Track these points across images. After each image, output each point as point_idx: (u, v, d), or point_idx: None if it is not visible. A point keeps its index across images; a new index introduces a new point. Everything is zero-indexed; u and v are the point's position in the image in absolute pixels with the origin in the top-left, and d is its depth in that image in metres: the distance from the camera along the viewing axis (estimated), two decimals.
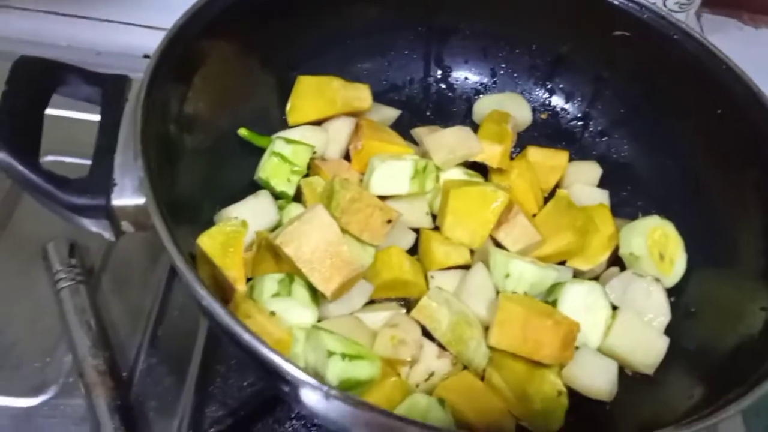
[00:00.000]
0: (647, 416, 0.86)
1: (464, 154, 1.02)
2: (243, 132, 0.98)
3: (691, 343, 0.91)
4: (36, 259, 0.96)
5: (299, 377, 0.60)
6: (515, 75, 1.17)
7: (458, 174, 1.02)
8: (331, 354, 0.73)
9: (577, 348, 0.88)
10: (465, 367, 0.87)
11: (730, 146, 0.98)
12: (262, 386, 0.89)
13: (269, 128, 1.01)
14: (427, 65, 1.17)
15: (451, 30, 1.15)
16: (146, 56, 1.24)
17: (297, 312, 0.81)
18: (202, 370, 0.90)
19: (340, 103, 1.04)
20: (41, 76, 0.79)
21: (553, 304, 0.90)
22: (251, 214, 0.87)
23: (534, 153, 1.08)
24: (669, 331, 0.93)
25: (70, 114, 1.07)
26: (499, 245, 0.97)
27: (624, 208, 1.06)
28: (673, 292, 0.96)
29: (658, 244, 0.97)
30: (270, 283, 0.82)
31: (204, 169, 0.90)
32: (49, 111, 0.79)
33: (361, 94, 1.06)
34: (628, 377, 0.90)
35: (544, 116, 1.17)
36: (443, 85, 1.18)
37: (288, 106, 1.04)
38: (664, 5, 1.36)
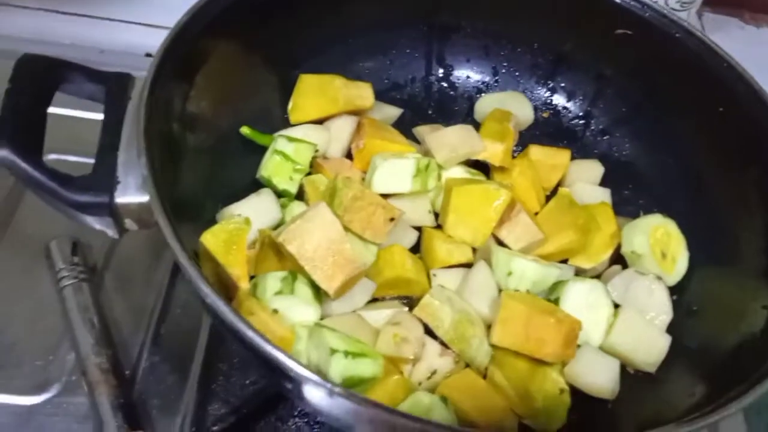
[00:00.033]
0: (649, 414, 0.86)
1: (466, 153, 1.02)
2: (245, 130, 0.98)
3: (693, 342, 0.91)
4: (39, 257, 0.96)
5: (303, 374, 0.61)
6: (517, 73, 1.17)
7: (460, 172, 1.02)
8: (333, 352, 0.73)
9: (579, 346, 0.88)
10: (467, 366, 0.87)
11: (731, 144, 0.98)
12: (264, 384, 0.89)
13: (271, 127, 1.02)
14: (429, 64, 1.17)
15: (453, 28, 1.15)
16: (148, 55, 1.25)
17: (300, 310, 0.81)
18: (205, 368, 0.90)
19: (342, 101, 1.04)
20: (44, 74, 0.79)
21: (555, 302, 0.90)
22: (254, 212, 0.87)
23: (536, 151, 1.08)
24: (671, 329, 0.93)
25: (72, 112, 1.08)
26: (501, 243, 0.97)
27: (626, 207, 1.06)
28: (674, 291, 0.96)
29: (660, 243, 0.97)
30: (273, 280, 0.82)
31: (206, 168, 0.90)
32: (50, 110, 0.80)
33: (363, 93, 1.06)
34: (630, 375, 0.91)
35: (545, 115, 1.17)
36: (445, 84, 1.19)
37: (290, 105, 1.04)
38: (666, 4, 1.36)
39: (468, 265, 0.96)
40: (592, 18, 1.07)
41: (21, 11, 1.30)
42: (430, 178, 0.98)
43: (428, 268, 0.96)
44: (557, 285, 0.92)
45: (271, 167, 0.96)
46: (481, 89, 1.18)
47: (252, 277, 0.85)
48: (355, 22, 1.08)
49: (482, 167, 1.05)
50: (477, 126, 1.08)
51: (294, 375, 0.61)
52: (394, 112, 1.13)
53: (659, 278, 0.94)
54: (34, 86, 0.77)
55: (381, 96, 1.10)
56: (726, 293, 0.93)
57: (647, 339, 0.90)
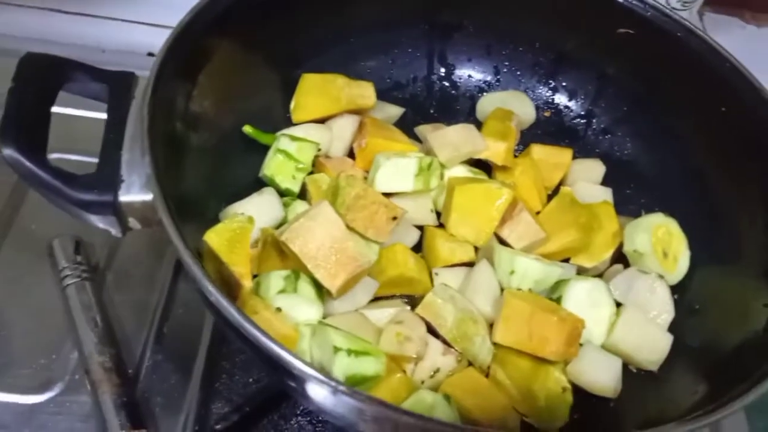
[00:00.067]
0: (651, 412, 0.86)
1: (469, 152, 1.02)
2: (248, 129, 0.98)
3: (695, 340, 0.91)
4: (42, 256, 0.96)
5: (308, 372, 0.61)
6: (518, 73, 1.17)
7: (462, 171, 1.02)
8: (337, 350, 0.74)
9: (581, 345, 0.88)
10: (470, 364, 0.87)
11: (733, 144, 0.98)
12: (267, 383, 0.89)
13: (273, 126, 1.02)
14: (431, 63, 1.17)
15: (455, 28, 1.15)
16: (150, 54, 1.25)
17: (303, 308, 0.81)
18: (208, 366, 0.91)
19: (344, 100, 1.04)
20: (48, 73, 0.79)
21: (558, 301, 0.91)
22: (256, 211, 0.87)
23: (538, 150, 1.08)
24: (673, 328, 0.93)
25: (74, 112, 1.08)
26: (503, 242, 0.97)
27: (627, 206, 1.06)
28: (676, 290, 0.96)
29: (662, 242, 0.97)
30: (276, 279, 0.82)
31: (209, 167, 0.90)
32: (52, 109, 0.80)
33: (365, 92, 1.06)
34: (632, 374, 0.91)
35: (547, 114, 1.17)
36: (447, 83, 1.19)
37: (292, 104, 1.04)
38: (668, 3, 1.36)
39: (470, 264, 0.96)
40: (594, 17, 1.07)
41: (23, 10, 1.30)
42: (433, 177, 0.98)
43: (430, 266, 0.96)
44: (559, 284, 0.92)
45: (273, 166, 0.96)
46: (482, 88, 1.18)
47: (254, 276, 0.85)
48: (357, 21, 1.08)
49: (484, 166, 1.06)
50: (478, 125, 1.08)
51: (299, 373, 0.61)
52: (395, 111, 1.13)
53: (661, 277, 0.94)
54: (37, 85, 0.77)
55: (383, 95, 1.10)
56: (728, 292, 0.93)
57: (649, 338, 0.90)
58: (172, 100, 0.82)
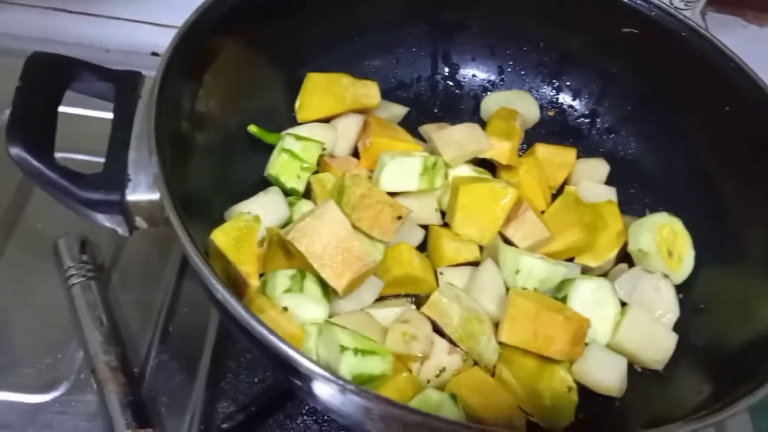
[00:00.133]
0: (657, 412, 0.86)
1: (473, 151, 1.02)
2: (253, 129, 0.98)
3: (700, 340, 0.91)
4: (47, 255, 0.96)
5: (316, 371, 0.61)
6: (522, 72, 1.18)
7: (467, 171, 1.02)
8: (344, 349, 0.74)
9: (586, 344, 0.88)
10: (475, 363, 0.87)
11: (737, 143, 0.98)
12: (273, 382, 0.90)
13: (278, 125, 1.02)
14: (435, 63, 1.18)
15: (459, 27, 1.15)
16: (155, 53, 1.25)
17: (309, 307, 0.81)
18: (213, 365, 0.91)
19: (348, 100, 1.04)
20: (55, 73, 0.79)
21: (563, 300, 0.91)
22: (262, 210, 0.87)
23: (542, 150, 1.08)
24: (678, 327, 0.93)
25: (79, 111, 1.08)
26: (507, 242, 0.97)
27: (631, 205, 1.06)
28: (681, 289, 0.96)
29: (667, 241, 0.97)
30: (282, 278, 0.82)
31: (214, 166, 0.90)
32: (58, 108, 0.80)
33: (369, 92, 1.06)
34: (637, 373, 0.91)
35: (551, 113, 1.17)
36: (451, 83, 1.19)
37: (297, 103, 1.05)
38: (671, 3, 1.36)
39: (475, 264, 0.96)
40: (598, 17, 1.07)
41: (26, 9, 1.30)
42: (437, 176, 0.98)
43: (435, 266, 0.96)
44: (564, 283, 0.92)
45: (278, 165, 0.96)
46: (486, 88, 1.18)
47: (261, 275, 0.85)
48: (362, 21, 1.09)
49: (488, 166, 1.06)
50: (482, 125, 1.08)
51: (306, 372, 0.61)
52: (400, 110, 1.13)
53: (666, 276, 0.95)
54: (44, 84, 0.77)
55: (387, 95, 1.10)
56: (732, 291, 0.93)
57: (654, 337, 0.91)
58: (179, 100, 0.82)
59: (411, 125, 1.10)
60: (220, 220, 0.87)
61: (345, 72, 1.05)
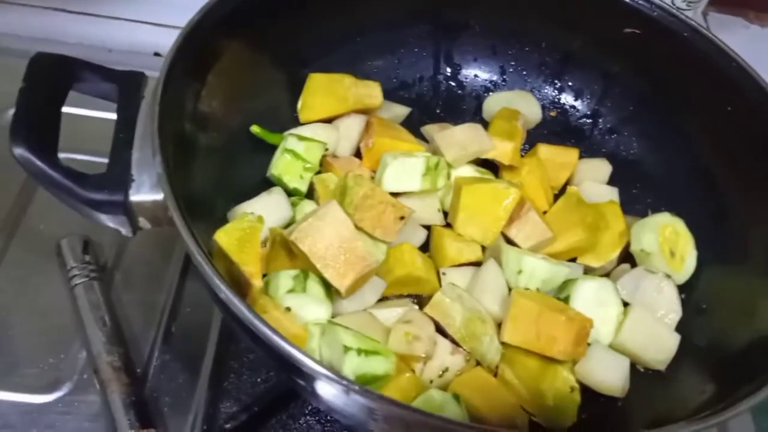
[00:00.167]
0: (659, 412, 0.86)
1: (476, 151, 1.02)
2: (255, 129, 0.98)
3: (702, 340, 0.91)
4: (50, 255, 0.96)
5: (320, 371, 0.61)
6: (524, 73, 1.18)
7: (469, 171, 1.02)
8: (347, 349, 0.74)
9: (588, 344, 0.88)
10: (478, 364, 0.87)
11: (739, 143, 0.99)
12: (276, 382, 0.90)
13: (280, 126, 1.02)
14: (437, 63, 1.18)
15: (461, 27, 1.15)
16: (157, 54, 1.25)
17: (312, 308, 0.81)
18: (216, 366, 0.91)
19: (351, 100, 1.04)
20: (58, 73, 0.79)
21: (565, 300, 0.91)
22: (265, 210, 0.87)
23: (544, 150, 1.08)
24: (680, 327, 0.93)
25: (81, 111, 1.08)
26: (510, 242, 0.97)
27: (634, 206, 1.06)
28: (683, 289, 0.96)
29: (669, 241, 0.97)
30: (285, 279, 0.82)
31: (217, 166, 0.90)
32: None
33: (372, 92, 1.06)
34: (639, 373, 0.91)
35: (553, 114, 1.17)
36: (453, 83, 1.19)
37: (299, 104, 1.05)
38: (673, 3, 1.36)
39: (477, 264, 0.96)
40: (600, 17, 1.07)
41: (28, 10, 1.30)
42: (440, 176, 0.98)
43: (438, 266, 0.96)
44: (567, 283, 0.92)
45: (281, 166, 0.96)
46: (488, 88, 1.19)
47: (264, 275, 0.85)
48: (364, 21, 1.09)
49: (490, 166, 1.06)
50: (485, 125, 1.08)
51: (310, 372, 0.62)
52: (402, 111, 1.13)
53: (668, 276, 0.95)
54: (48, 85, 0.77)
55: (389, 95, 1.10)
56: (735, 291, 0.93)
57: (657, 337, 0.91)
58: (182, 100, 0.82)
59: (413, 125, 1.10)
60: (223, 221, 0.87)
61: (347, 72, 1.05)
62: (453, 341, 0.86)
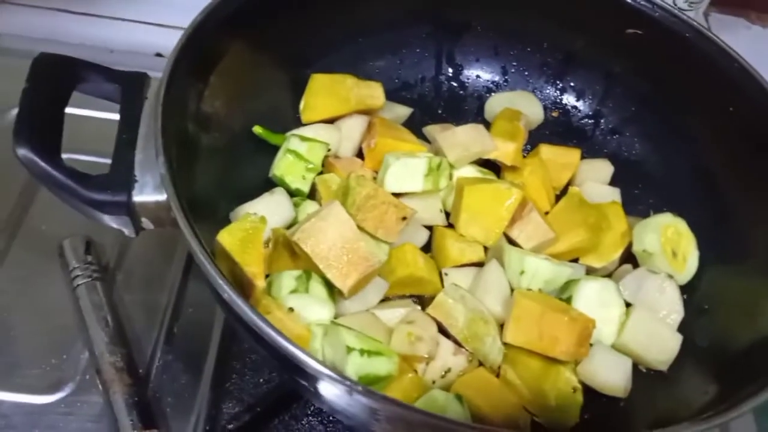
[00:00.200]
0: (662, 412, 0.86)
1: (478, 152, 1.02)
2: (258, 130, 0.98)
3: (704, 340, 0.91)
4: (52, 256, 0.97)
5: (324, 372, 0.61)
6: (526, 73, 1.18)
7: (471, 172, 1.02)
8: (350, 350, 0.74)
9: (591, 345, 0.88)
10: (481, 364, 0.87)
11: (741, 143, 0.98)
12: (278, 383, 0.90)
13: (283, 126, 1.02)
14: (439, 63, 1.18)
15: (463, 28, 1.15)
16: (159, 54, 1.25)
17: (314, 308, 0.81)
18: (218, 366, 0.91)
19: (353, 101, 1.04)
20: (61, 74, 0.79)
21: (568, 301, 0.91)
22: (267, 211, 0.87)
23: (546, 151, 1.08)
24: (682, 328, 0.93)
25: (83, 112, 1.08)
26: (512, 242, 0.97)
27: (636, 206, 1.06)
28: (685, 290, 0.96)
29: (671, 242, 0.97)
30: (288, 279, 0.83)
31: (219, 167, 0.90)
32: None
33: (374, 92, 1.06)
34: (642, 374, 0.91)
35: (555, 114, 1.17)
36: (455, 83, 1.19)
37: (301, 104, 1.05)
38: (674, 4, 1.36)
39: (480, 264, 0.96)
40: (602, 18, 1.07)
41: (30, 10, 1.30)
42: (442, 177, 0.98)
43: (440, 267, 0.96)
44: (569, 284, 0.92)
45: (283, 166, 0.96)
46: (490, 89, 1.19)
47: (266, 276, 0.85)
48: (366, 21, 1.09)
49: (492, 166, 1.06)
50: (487, 125, 1.08)
51: (314, 373, 0.62)
52: (404, 111, 1.13)
53: (670, 277, 0.95)
54: (51, 85, 0.77)
55: (391, 95, 1.10)
56: (737, 292, 0.93)
57: (659, 337, 0.91)
58: (185, 101, 0.82)
59: (415, 126, 1.10)
60: (226, 221, 0.87)
61: (349, 73, 1.05)
62: (455, 342, 0.86)
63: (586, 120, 1.16)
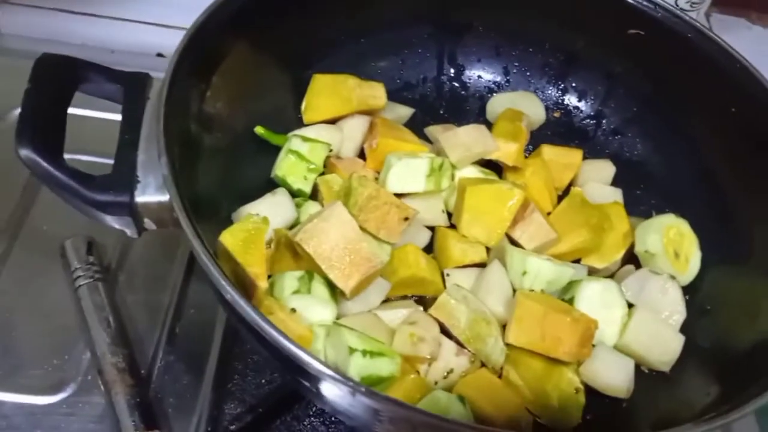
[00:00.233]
0: (664, 413, 0.86)
1: (480, 152, 1.02)
2: (259, 130, 0.98)
3: (707, 341, 0.91)
4: (54, 256, 0.96)
5: (326, 373, 0.61)
6: (528, 73, 1.18)
7: (473, 172, 1.02)
8: (352, 351, 0.74)
9: (593, 345, 0.88)
10: (483, 365, 0.87)
11: (743, 144, 0.98)
12: (280, 383, 0.90)
13: (284, 127, 1.02)
14: (441, 64, 1.18)
15: (465, 28, 1.15)
16: (160, 55, 1.25)
17: (317, 309, 0.81)
18: (220, 367, 0.91)
19: (355, 101, 1.04)
20: (63, 74, 0.79)
21: (570, 301, 0.91)
22: (270, 211, 0.87)
23: (548, 151, 1.08)
24: (684, 328, 0.93)
25: (86, 113, 1.08)
26: (514, 243, 0.97)
27: (638, 207, 1.06)
28: (688, 290, 0.96)
29: (673, 242, 0.97)
30: (290, 280, 0.82)
31: (221, 167, 0.90)
32: None
33: (375, 93, 1.06)
34: (644, 375, 0.91)
35: (557, 115, 1.17)
36: (456, 84, 1.19)
37: (303, 105, 1.04)
38: (676, 4, 1.36)
39: (482, 265, 0.96)
40: (604, 18, 1.07)
41: (31, 10, 1.30)
42: (444, 177, 0.98)
43: (442, 267, 0.96)
44: (571, 284, 0.92)
45: (285, 167, 0.96)
46: (492, 89, 1.18)
47: (269, 277, 0.85)
48: (368, 22, 1.08)
49: (494, 167, 1.06)
50: (488, 126, 1.08)
51: (316, 373, 0.61)
52: (406, 111, 1.13)
53: (673, 278, 0.94)
54: (53, 86, 0.77)
55: (393, 96, 1.10)
56: (739, 293, 0.93)
57: (661, 338, 0.90)
58: (187, 101, 0.82)
59: (417, 126, 1.10)
60: (228, 222, 0.87)
61: (351, 73, 1.05)
62: (458, 342, 0.86)
63: (588, 120, 1.16)
